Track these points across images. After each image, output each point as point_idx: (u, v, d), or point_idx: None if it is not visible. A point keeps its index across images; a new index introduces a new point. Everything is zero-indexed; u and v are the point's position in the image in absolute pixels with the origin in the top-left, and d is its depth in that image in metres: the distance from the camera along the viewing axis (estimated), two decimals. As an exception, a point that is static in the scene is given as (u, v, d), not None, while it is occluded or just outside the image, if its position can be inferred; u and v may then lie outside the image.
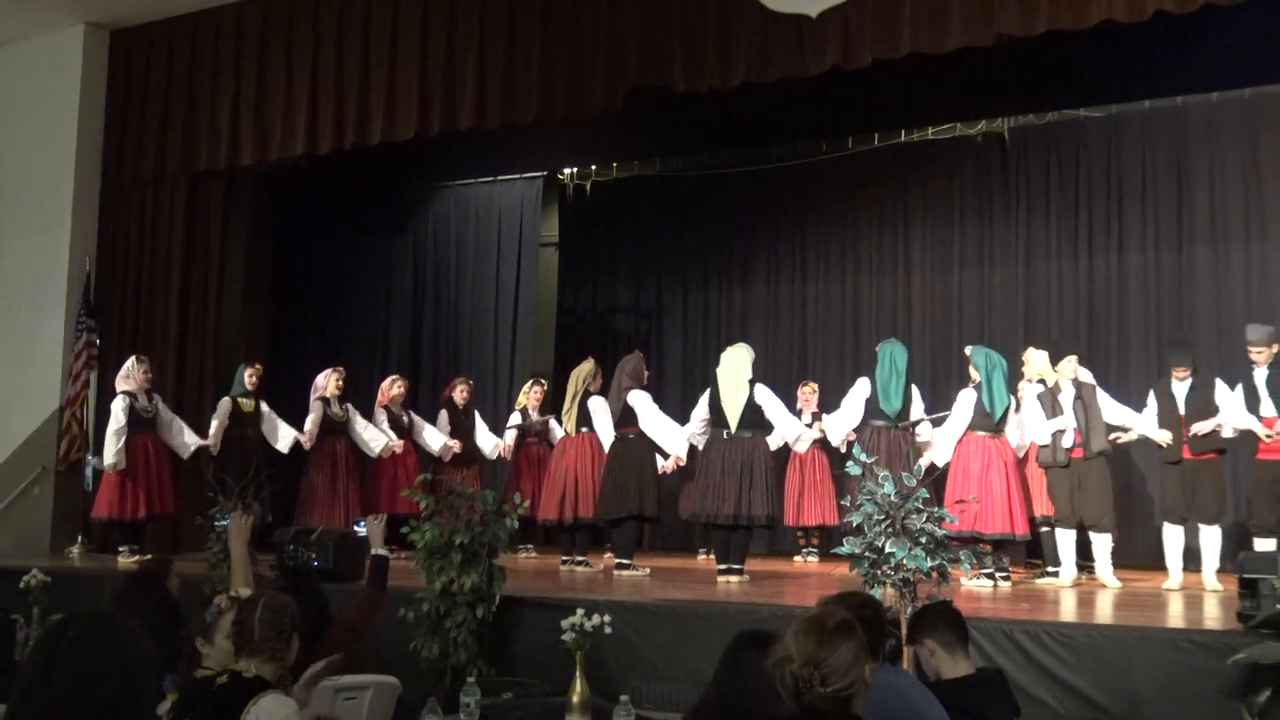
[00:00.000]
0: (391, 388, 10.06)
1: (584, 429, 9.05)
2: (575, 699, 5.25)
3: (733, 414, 7.90)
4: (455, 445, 9.81)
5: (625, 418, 8.61)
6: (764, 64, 7.85)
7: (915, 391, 8.23)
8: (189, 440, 9.42)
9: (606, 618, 5.47)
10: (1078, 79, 8.93)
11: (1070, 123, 10.92)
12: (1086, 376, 8.19)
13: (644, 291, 12.86)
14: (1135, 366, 10.24)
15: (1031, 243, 11.12)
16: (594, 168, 12.73)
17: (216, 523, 6.72)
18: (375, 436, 9.69)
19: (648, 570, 8.35)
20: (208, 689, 3.47)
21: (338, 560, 6.96)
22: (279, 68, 9.76)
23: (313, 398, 9.73)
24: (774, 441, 8.44)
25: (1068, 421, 7.85)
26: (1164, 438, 7.76)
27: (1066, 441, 7.87)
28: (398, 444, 9.70)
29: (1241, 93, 10.13)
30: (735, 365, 8.03)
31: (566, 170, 12.77)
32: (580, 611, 5.48)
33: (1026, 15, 7.01)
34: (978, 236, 11.36)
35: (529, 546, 10.04)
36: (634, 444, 8.52)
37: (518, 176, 12.57)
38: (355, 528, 8.64)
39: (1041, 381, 8.22)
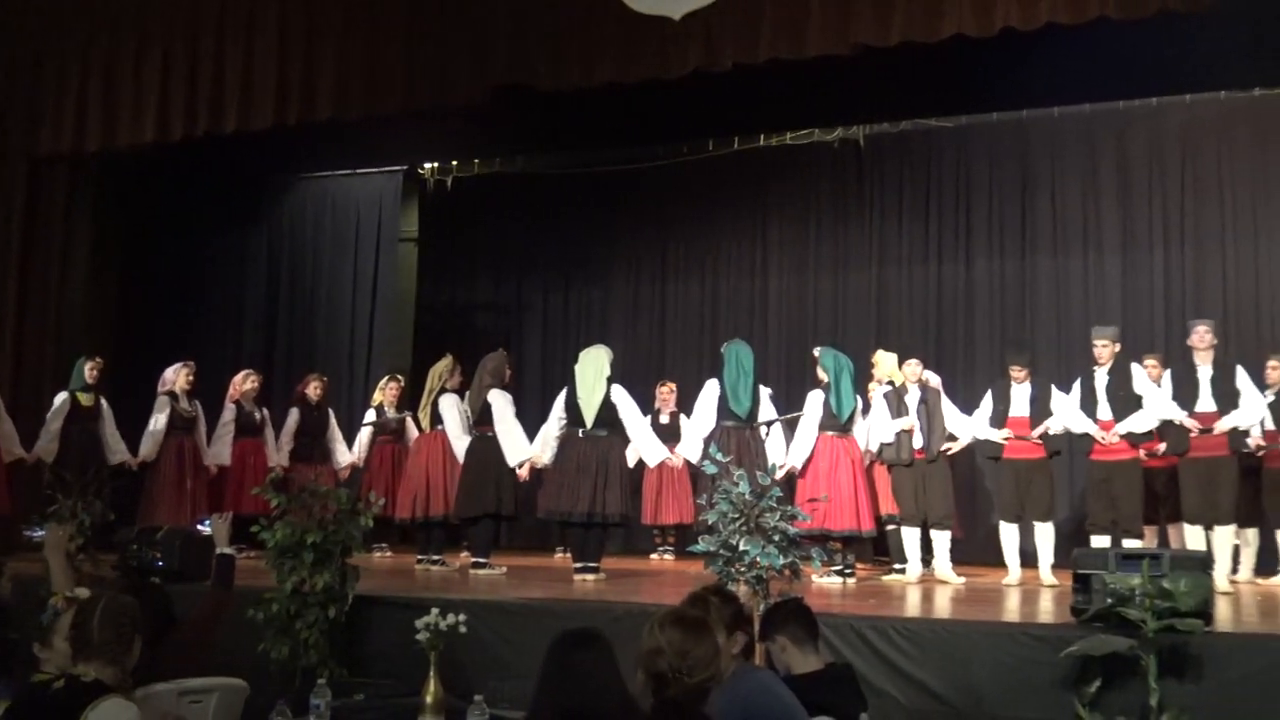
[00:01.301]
0: (244, 382, 9.81)
1: (439, 426, 9.01)
2: (429, 699, 5.20)
3: (589, 412, 7.95)
4: (280, 469, 9.50)
5: (485, 416, 8.54)
6: (627, 65, 7.90)
7: (763, 391, 8.38)
8: (15, 450, 9.02)
9: (461, 617, 5.43)
10: (930, 90, 9.20)
11: (922, 132, 11.25)
12: (934, 381, 8.47)
13: (504, 289, 12.81)
14: (980, 369, 10.58)
15: (884, 247, 11.43)
16: (455, 163, 12.61)
17: (33, 534, 6.45)
18: (209, 453, 9.53)
19: (504, 569, 8.32)
20: (44, 694, 3.35)
21: (184, 560, 6.75)
22: (129, 50, 9.41)
23: (160, 391, 9.44)
24: (630, 456, 8.54)
25: (912, 422, 8.10)
26: (1002, 434, 8.03)
27: (917, 442, 8.11)
28: (214, 466, 9.52)
29: (1082, 108, 10.57)
30: (592, 364, 8.09)
31: (428, 165, 12.64)
32: (435, 611, 5.43)
33: (881, 26, 7.20)
34: (833, 241, 11.63)
35: (384, 546, 9.91)
36: (492, 442, 8.46)
37: (377, 170, 12.37)
38: (199, 526, 8.40)
39: (890, 383, 8.45)
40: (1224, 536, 7.65)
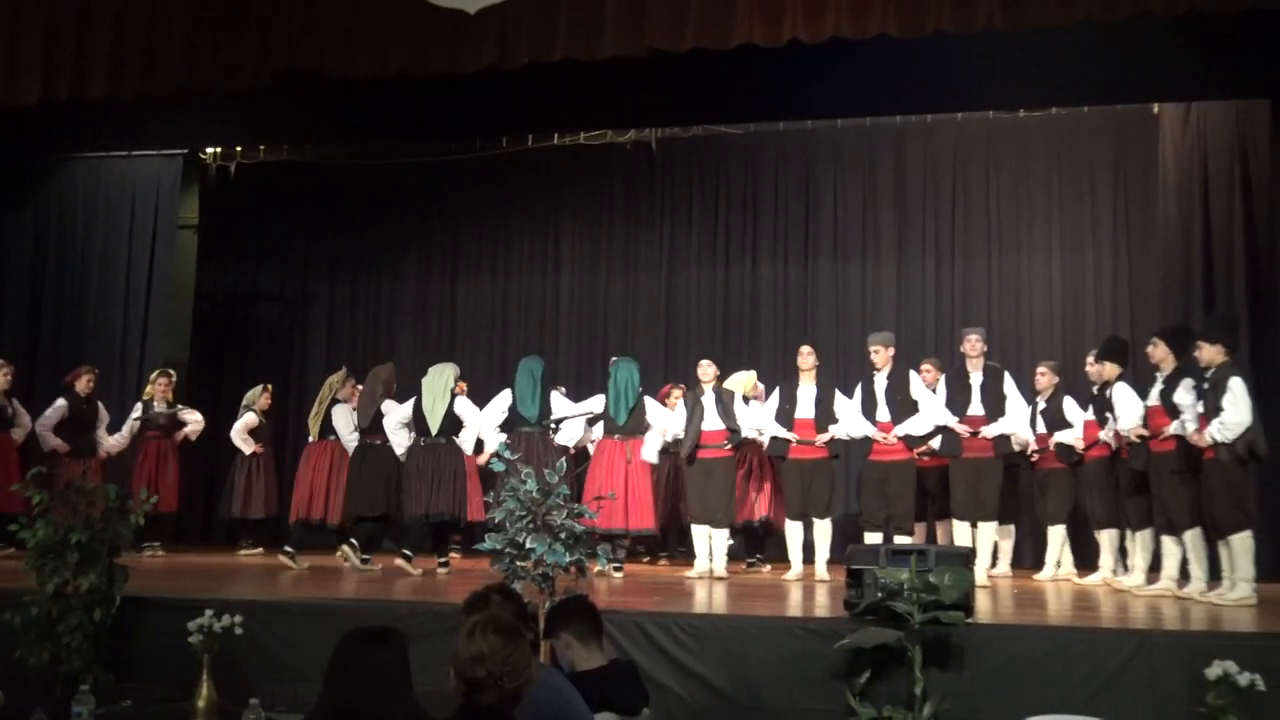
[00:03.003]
0: (-5, 374, 9.32)
1: (331, 436, 9.25)
2: (200, 704, 5.06)
3: (433, 422, 8.43)
4: (63, 449, 9.22)
5: (374, 424, 8.80)
6: (420, 56, 7.77)
7: (555, 396, 8.76)
8: None
9: (238, 618, 5.29)
10: (720, 97, 9.39)
11: (712, 137, 11.51)
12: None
13: (289, 280, 12.49)
14: (765, 369, 10.83)
15: (674, 250, 11.65)
16: (239, 149, 12.20)
17: None
18: None
19: (380, 567, 8.47)
20: None
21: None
22: (-124, 13, 8.74)
23: (-93, 382, 8.84)
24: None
25: (713, 422, 8.30)
26: (792, 435, 8.29)
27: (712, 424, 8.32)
28: None
29: (863, 121, 10.99)
30: (438, 379, 8.62)
31: (210, 150, 12.18)
32: (209, 612, 5.28)
33: (675, 32, 7.30)
34: (624, 241, 11.78)
35: (155, 544, 9.53)
36: (381, 450, 8.76)
37: (155, 153, 11.81)
38: None
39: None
40: (987, 533, 8.10)
